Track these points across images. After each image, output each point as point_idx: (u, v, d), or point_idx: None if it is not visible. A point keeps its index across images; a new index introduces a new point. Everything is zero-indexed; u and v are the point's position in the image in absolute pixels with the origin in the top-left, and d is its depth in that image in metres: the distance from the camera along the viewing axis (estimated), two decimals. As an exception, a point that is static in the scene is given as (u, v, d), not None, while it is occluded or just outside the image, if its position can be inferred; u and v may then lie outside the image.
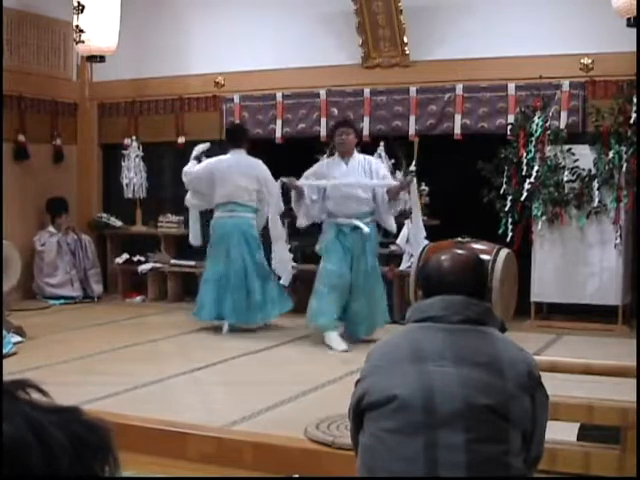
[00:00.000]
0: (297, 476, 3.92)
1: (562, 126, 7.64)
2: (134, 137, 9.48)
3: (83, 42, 8.46)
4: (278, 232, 7.07)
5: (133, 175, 9.44)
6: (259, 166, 7.43)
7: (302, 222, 7.00)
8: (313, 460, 4.10)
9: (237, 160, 7.36)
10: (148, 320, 8.25)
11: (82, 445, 0.85)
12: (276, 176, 7.14)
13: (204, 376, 5.79)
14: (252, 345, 6.80)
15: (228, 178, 7.29)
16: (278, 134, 8.76)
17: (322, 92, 8.60)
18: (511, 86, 7.88)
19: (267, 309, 7.37)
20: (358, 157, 6.90)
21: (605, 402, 3.47)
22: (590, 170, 7.36)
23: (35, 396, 0.88)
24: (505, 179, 7.59)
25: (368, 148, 8.23)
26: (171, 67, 9.21)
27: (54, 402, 0.88)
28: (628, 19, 6.80)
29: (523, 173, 7.50)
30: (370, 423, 2.30)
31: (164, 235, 9.38)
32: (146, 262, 9.31)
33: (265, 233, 7.44)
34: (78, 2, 8.34)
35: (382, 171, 6.94)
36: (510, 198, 7.55)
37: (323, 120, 8.59)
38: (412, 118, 8.25)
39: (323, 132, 8.59)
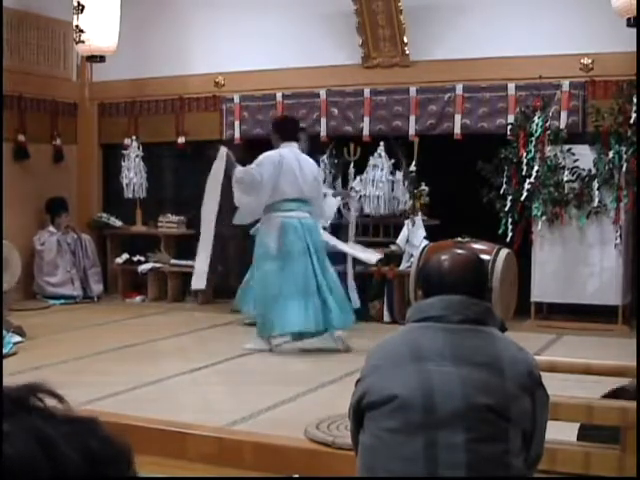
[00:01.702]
0: (297, 476, 3.92)
1: (562, 126, 7.64)
2: (134, 137, 9.48)
3: (83, 42, 8.46)
4: None
5: (133, 175, 9.44)
6: None
7: None
8: (313, 460, 4.10)
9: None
10: (148, 320, 8.25)
11: (97, 462, 0.78)
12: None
13: (204, 376, 5.79)
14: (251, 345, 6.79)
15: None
16: (278, 134, 8.74)
17: (322, 92, 8.60)
18: (511, 86, 7.88)
19: None
20: None
21: (605, 402, 3.47)
22: (590, 170, 7.36)
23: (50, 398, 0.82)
24: (505, 179, 7.59)
25: (368, 148, 8.25)
26: (171, 67, 9.21)
27: (71, 409, 0.82)
28: (628, 19, 6.80)
29: (523, 173, 7.50)
30: (370, 423, 2.30)
31: (164, 235, 9.38)
32: (146, 262, 9.31)
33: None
34: (78, 2, 8.34)
35: None
36: (510, 198, 7.55)
37: (323, 120, 8.59)
38: (412, 118, 8.25)
39: (323, 132, 8.59)
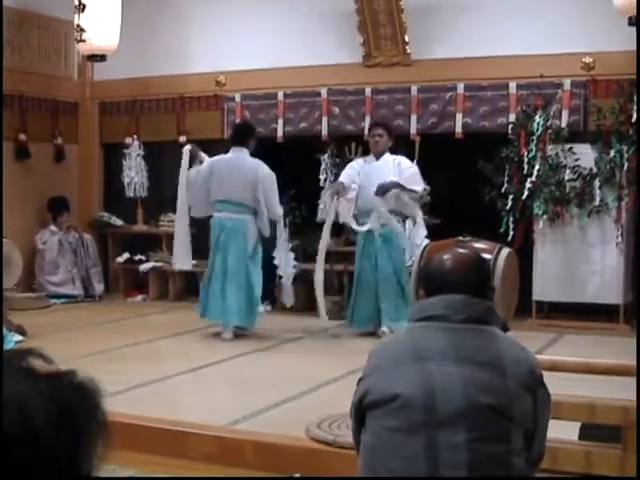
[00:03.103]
0: (298, 475, 3.92)
1: (563, 125, 7.64)
2: (135, 136, 9.48)
3: (84, 41, 8.45)
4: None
5: (134, 174, 9.44)
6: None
7: None
8: (314, 459, 4.10)
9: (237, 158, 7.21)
10: (149, 319, 8.25)
11: (69, 411, 0.92)
12: (278, 175, 7.14)
13: (205, 375, 5.79)
14: (253, 344, 6.80)
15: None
16: (279, 133, 8.75)
17: (323, 91, 8.59)
18: (512, 85, 7.88)
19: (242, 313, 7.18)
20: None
21: (606, 401, 3.47)
22: (591, 169, 7.36)
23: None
24: (506, 178, 7.59)
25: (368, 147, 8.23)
26: (172, 66, 9.20)
27: (53, 367, 0.97)
28: (629, 18, 6.80)
29: (524, 172, 7.50)
30: (372, 421, 2.30)
31: (165, 234, 9.37)
32: (147, 261, 9.31)
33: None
34: (79, 1, 8.33)
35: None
36: (511, 197, 7.56)
37: (324, 119, 8.59)
38: (413, 117, 8.25)
39: (324, 131, 8.59)
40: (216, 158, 7.24)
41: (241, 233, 7.08)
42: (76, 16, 8.40)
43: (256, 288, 7.11)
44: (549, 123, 7.51)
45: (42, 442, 0.90)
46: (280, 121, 8.76)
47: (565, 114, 7.68)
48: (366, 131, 8.33)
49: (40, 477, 0.89)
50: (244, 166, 7.06)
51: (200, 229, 9.33)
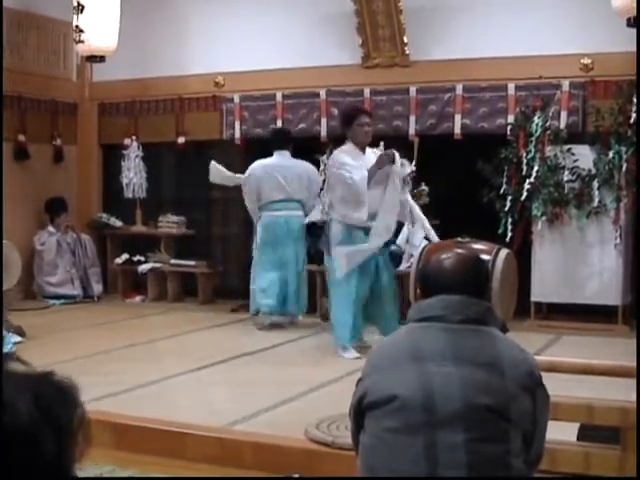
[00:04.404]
0: (297, 476, 3.92)
1: (562, 126, 7.64)
2: (134, 137, 9.47)
3: (83, 42, 8.45)
4: None
5: (133, 175, 9.43)
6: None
7: None
8: (313, 460, 4.10)
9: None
10: (148, 320, 8.25)
11: (48, 405, 1.01)
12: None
13: (204, 376, 5.79)
14: (252, 345, 6.80)
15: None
16: (278, 134, 8.74)
17: (322, 92, 8.60)
18: (511, 86, 7.88)
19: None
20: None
21: (605, 402, 3.47)
22: (590, 170, 7.36)
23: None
24: (505, 179, 7.59)
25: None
26: (171, 67, 9.20)
27: (31, 369, 1.06)
28: (628, 19, 6.79)
29: (523, 173, 7.50)
30: (371, 422, 2.30)
31: (164, 235, 9.38)
32: (146, 262, 9.31)
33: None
34: (78, 2, 8.33)
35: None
36: (510, 198, 7.55)
37: (323, 120, 8.58)
38: (412, 118, 8.25)
39: (323, 132, 8.59)
40: (265, 162, 7.62)
41: (302, 228, 7.51)
42: (75, 17, 8.40)
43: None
44: (548, 124, 7.52)
45: (29, 440, 0.96)
46: (279, 122, 8.76)
47: (564, 115, 7.69)
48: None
49: (30, 474, 0.96)
50: (297, 167, 7.68)
51: (199, 230, 9.37)
